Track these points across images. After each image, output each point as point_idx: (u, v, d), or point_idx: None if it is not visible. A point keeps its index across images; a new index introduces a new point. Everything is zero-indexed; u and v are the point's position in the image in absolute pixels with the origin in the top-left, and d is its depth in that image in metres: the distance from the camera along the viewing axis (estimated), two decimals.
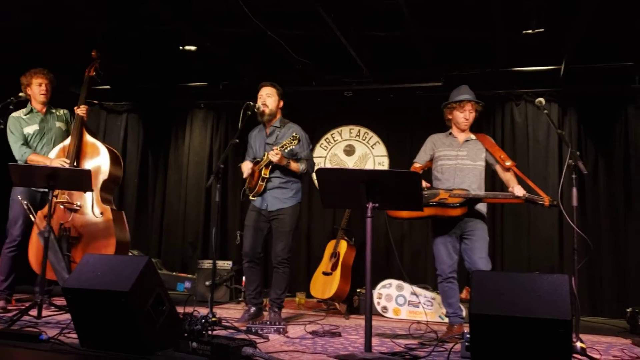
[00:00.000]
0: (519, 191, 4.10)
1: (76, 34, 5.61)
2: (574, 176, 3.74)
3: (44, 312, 4.13)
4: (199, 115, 7.66)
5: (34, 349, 3.06)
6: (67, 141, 4.97)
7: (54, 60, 5.71)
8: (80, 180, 4.33)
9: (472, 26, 5.39)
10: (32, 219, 4.69)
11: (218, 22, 5.59)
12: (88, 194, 4.82)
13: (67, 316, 3.74)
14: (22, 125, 4.94)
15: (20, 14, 5.41)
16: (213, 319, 3.65)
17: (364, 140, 7.11)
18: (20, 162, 4.86)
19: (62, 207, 4.77)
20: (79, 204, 4.81)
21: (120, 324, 3.03)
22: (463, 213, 4.14)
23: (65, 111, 5.24)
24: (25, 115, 4.98)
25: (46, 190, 4.84)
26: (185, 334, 3.14)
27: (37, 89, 4.98)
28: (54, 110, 5.14)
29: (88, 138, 5.02)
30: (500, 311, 2.70)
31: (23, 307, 4.07)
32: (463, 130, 4.42)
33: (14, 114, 4.96)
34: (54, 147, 5.02)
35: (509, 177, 4.33)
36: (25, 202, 4.68)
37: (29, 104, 5.04)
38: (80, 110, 5.00)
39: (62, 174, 4.29)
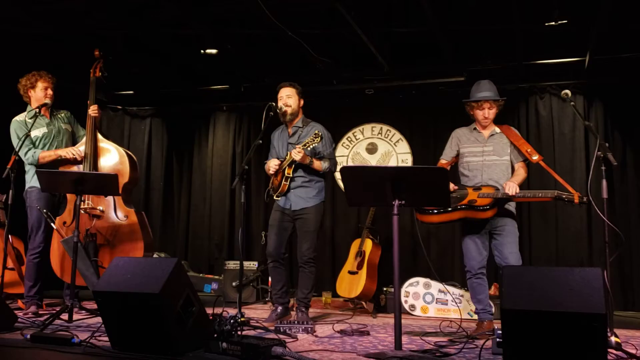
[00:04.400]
0: (509, 189, 4.01)
1: (96, 41, 5.63)
2: (603, 168, 3.67)
3: (75, 316, 4.18)
4: (222, 117, 7.70)
5: (68, 352, 3.10)
6: (82, 146, 4.93)
7: (73, 68, 5.77)
8: (106, 184, 4.37)
9: (494, 19, 5.32)
10: (53, 226, 4.71)
11: (238, 24, 5.61)
12: (109, 198, 4.85)
13: (98, 319, 3.79)
14: (29, 128, 4.74)
15: (35, 21, 5.47)
16: (242, 319, 3.66)
17: (387, 137, 7.07)
18: (31, 164, 4.82)
19: (85, 212, 4.75)
20: (101, 208, 4.84)
21: (151, 325, 3.05)
22: (493, 214, 4.09)
23: (67, 112, 5.18)
24: (30, 118, 4.80)
25: (62, 194, 4.90)
26: (215, 335, 3.15)
27: (41, 92, 4.90)
28: (55, 112, 5.09)
29: (101, 142, 5.01)
30: (532, 306, 2.66)
31: (54, 312, 4.13)
32: (485, 127, 4.38)
33: (18, 118, 4.90)
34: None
35: (515, 173, 4.25)
36: (45, 210, 4.68)
37: (30, 107, 4.92)
38: (92, 111, 4.98)
39: (89, 179, 4.32)
